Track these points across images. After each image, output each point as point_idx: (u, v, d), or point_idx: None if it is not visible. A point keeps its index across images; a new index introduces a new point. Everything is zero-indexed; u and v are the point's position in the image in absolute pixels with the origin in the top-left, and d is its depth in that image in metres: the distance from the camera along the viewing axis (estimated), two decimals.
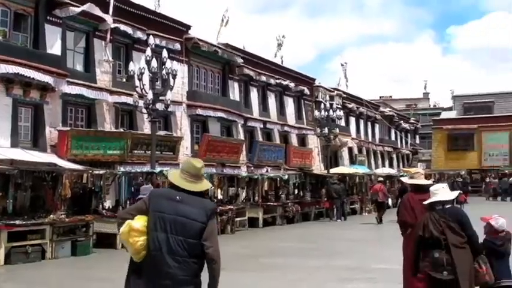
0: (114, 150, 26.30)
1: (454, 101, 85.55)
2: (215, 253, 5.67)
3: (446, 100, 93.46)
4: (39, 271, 16.74)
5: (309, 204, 34.82)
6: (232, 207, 27.34)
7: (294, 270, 15.82)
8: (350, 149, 57.68)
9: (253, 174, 32.71)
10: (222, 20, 39.83)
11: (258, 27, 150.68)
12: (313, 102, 50.34)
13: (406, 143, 79.21)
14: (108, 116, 28.69)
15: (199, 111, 34.64)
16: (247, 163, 38.80)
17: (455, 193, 8.96)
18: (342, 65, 62.27)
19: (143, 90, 24.35)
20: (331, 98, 51.69)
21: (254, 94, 42.69)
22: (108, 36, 28.69)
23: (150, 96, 24.28)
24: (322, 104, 42.37)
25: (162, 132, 30.65)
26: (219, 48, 37.07)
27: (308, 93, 49.54)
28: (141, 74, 24.14)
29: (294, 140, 47.08)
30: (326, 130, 40.02)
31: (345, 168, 46.51)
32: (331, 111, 40.27)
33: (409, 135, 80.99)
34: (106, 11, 28.21)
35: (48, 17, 26.06)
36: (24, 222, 18.41)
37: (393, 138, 73.71)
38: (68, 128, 25.58)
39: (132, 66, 24.99)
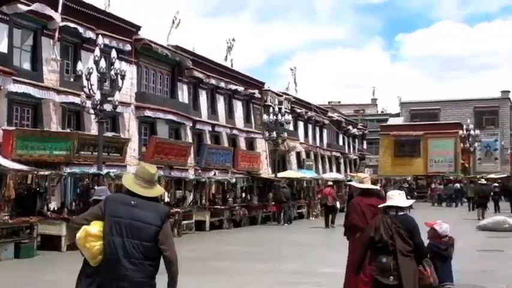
0: (60, 150, 25.94)
1: (402, 108, 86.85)
2: (173, 256, 5.89)
3: (393, 107, 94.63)
4: None
5: (256, 208, 34.70)
6: (179, 210, 27.11)
7: (241, 274, 15.75)
8: (298, 154, 57.91)
9: (201, 177, 32.54)
10: (173, 22, 39.72)
11: (209, 31, 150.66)
12: (262, 106, 50.37)
13: (354, 148, 79.78)
14: (54, 116, 28.31)
15: (148, 113, 34.45)
16: (195, 166, 38.69)
17: (411, 201, 9.14)
18: (292, 69, 62.68)
19: (91, 91, 24.10)
20: (280, 102, 51.79)
21: (203, 97, 42.61)
22: (57, 34, 28.36)
23: (98, 96, 24.01)
24: (271, 108, 42.40)
25: (109, 134, 30.35)
26: (169, 49, 36.89)
27: (257, 96, 49.57)
28: (89, 74, 23.91)
29: (242, 144, 47.09)
30: (274, 134, 40.01)
31: (292, 172, 46.65)
32: (279, 115, 40.28)
33: (356, 140, 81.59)
34: (55, 9, 27.84)
35: None
36: None
37: (341, 143, 74.28)
38: (13, 128, 25.25)
39: (80, 66, 24.68)
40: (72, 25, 29.11)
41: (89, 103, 24.54)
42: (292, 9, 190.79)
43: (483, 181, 42.11)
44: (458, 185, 53.18)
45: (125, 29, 33.51)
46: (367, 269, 8.35)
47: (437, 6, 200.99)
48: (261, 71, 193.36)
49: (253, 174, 41.26)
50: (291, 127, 51.04)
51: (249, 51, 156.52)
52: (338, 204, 32.63)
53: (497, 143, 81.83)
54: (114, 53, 24.94)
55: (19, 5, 25.99)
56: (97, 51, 24.20)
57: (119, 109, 27.84)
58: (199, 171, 38.05)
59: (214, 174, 37.58)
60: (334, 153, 69.97)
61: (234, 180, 34.20)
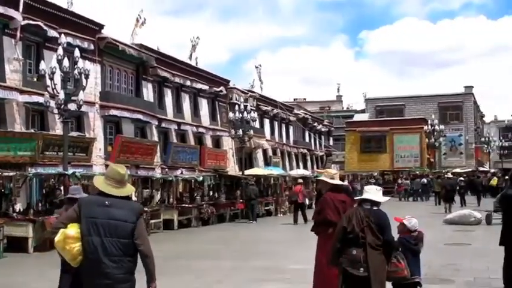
0: (24, 151, 25.68)
1: (367, 104, 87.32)
2: (147, 250, 6.15)
3: (359, 103, 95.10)
4: None
5: (224, 205, 34.54)
6: (146, 209, 26.90)
7: (210, 272, 15.61)
8: (265, 151, 57.94)
9: (168, 176, 32.39)
10: (137, 20, 39.41)
11: (172, 29, 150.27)
12: (228, 104, 50.37)
13: (320, 144, 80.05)
14: (18, 116, 27.99)
15: (113, 112, 34.23)
16: (162, 165, 38.53)
17: (386, 198, 9.20)
18: (256, 67, 62.64)
19: (55, 90, 23.81)
20: (246, 99, 51.59)
21: (168, 95, 42.51)
22: (18, 34, 27.97)
23: (61, 96, 23.67)
24: (237, 106, 42.26)
25: (74, 133, 30.06)
26: (133, 48, 36.62)
27: (223, 94, 49.47)
28: (53, 73, 23.64)
29: (208, 142, 47.04)
30: (240, 132, 39.90)
31: (259, 169, 46.49)
32: (245, 113, 40.15)
33: (323, 137, 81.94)
34: (16, 8, 27.47)
35: None
36: None
37: (307, 140, 74.52)
38: None
39: (43, 65, 24.26)
40: (33, 24, 28.74)
41: (52, 103, 24.25)
42: (254, 7, 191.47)
43: (450, 175, 42.46)
44: (425, 179, 53.45)
45: (87, 27, 33.24)
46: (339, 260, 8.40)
47: (400, 3, 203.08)
48: (225, 69, 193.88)
49: (220, 172, 41.09)
50: (257, 124, 50.95)
51: (213, 50, 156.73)
52: (307, 201, 32.63)
53: (461, 137, 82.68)
54: (77, 52, 24.63)
55: None
56: (60, 51, 23.88)
57: (84, 108, 27.58)
58: (166, 169, 37.90)
59: (181, 172, 37.45)
60: (300, 150, 70.13)
61: (201, 178, 34.02)
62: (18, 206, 23.85)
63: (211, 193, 36.32)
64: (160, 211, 28.48)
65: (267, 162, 57.20)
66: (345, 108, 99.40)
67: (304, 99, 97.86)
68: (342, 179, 12.91)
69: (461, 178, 45.55)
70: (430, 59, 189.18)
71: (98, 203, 6.16)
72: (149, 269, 6.17)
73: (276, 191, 41.96)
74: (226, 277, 14.97)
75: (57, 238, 6.08)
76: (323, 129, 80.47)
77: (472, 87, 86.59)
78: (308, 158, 73.10)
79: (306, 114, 73.08)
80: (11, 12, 27.20)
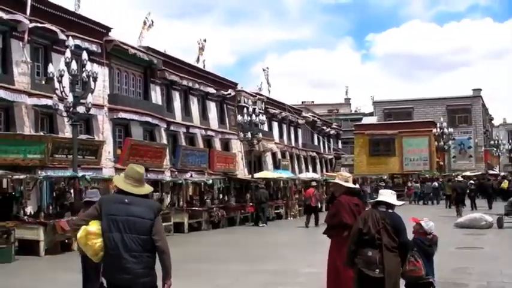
0: (34, 154, 25.62)
1: (375, 107, 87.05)
2: (164, 245, 6.38)
3: (367, 106, 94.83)
4: None
5: (234, 209, 34.41)
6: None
7: (221, 276, 15.46)
8: (273, 154, 57.74)
9: (178, 179, 32.31)
10: (145, 23, 39.32)
11: (178, 32, 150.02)
12: (236, 107, 50.16)
13: (329, 147, 79.79)
14: (27, 119, 27.91)
15: (122, 115, 34.14)
16: (171, 168, 38.37)
17: (401, 202, 9.42)
18: (264, 70, 62.50)
19: (63, 93, 23.72)
20: (254, 102, 51.49)
21: (176, 98, 42.38)
22: (26, 36, 27.87)
23: (70, 99, 23.68)
24: (245, 109, 42.08)
25: (83, 136, 30.02)
26: (141, 51, 36.49)
27: (230, 97, 49.31)
28: (61, 76, 23.59)
29: (217, 145, 46.87)
30: (249, 135, 39.75)
31: (269, 172, 46.39)
32: (253, 115, 40.02)
33: (331, 140, 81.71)
34: (23, 11, 27.40)
35: None
36: None
37: (316, 143, 74.25)
38: None
39: (51, 68, 24.32)
40: (41, 27, 28.66)
41: (61, 106, 24.33)
42: (260, 10, 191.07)
43: (460, 178, 42.17)
44: (436, 183, 53.28)
45: (95, 30, 33.14)
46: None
47: (406, 5, 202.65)
48: (232, 72, 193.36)
49: (230, 175, 40.99)
50: (265, 127, 50.77)
51: (219, 53, 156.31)
52: (319, 204, 32.53)
53: (470, 140, 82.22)
54: (85, 55, 24.67)
55: None
56: (68, 53, 23.92)
57: (92, 111, 27.51)
58: (176, 172, 37.77)
59: (191, 175, 37.32)
60: (309, 153, 69.88)
61: (211, 181, 33.95)
62: (29, 209, 23.89)
63: (221, 196, 36.21)
64: (170, 214, 28.31)
65: (276, 166, 57.02)
66: (353, 111, 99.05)
67: (312, 102, 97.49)
68: (354, 182, 12.81)
69: (472, 181, 45.31)
70: (436, 62, 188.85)
71: (117, 200, 6.42)
72: (165, 265, 6.42)
73: (286, 194, 41.82)
74: (238, 281, 14.83)
75: (79, 234, 6.33)
76: (332, 132, 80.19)
77: (480, 89, 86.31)
78: (317, 161, 72.85)
79: (314, 117, 72.81)
80: (18, 15, 27.10)
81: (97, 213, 6.37)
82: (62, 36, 29.36)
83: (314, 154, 71.49)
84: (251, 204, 34.92)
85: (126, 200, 6.37)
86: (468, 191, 40.76)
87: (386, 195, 8.68)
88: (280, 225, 33.67)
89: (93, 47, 31.96)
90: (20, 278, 16.16)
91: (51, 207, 24.20)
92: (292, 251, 21.06)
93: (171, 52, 42.46)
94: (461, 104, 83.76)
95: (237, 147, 49.43)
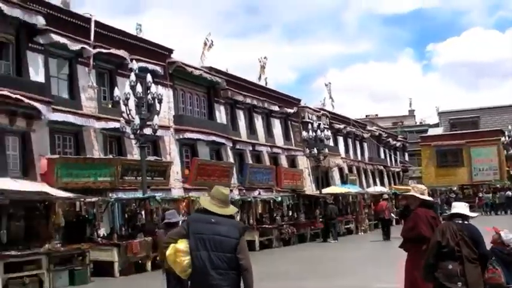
0: (104, 177, 26.01)
1: (440, 118, 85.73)
2: (248, 263, 6.58)
3: (431, 117, 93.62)
4: None
5: (304, 225, 34.21)
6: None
7: None
8: (340, 169, 57.32)
9: (246, 197, 32.17)
10: (205, 44, 39.49)
11: (237, 51, 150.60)
12: (300, 123, 49.97)
13: (396, 160, 78.92)
14: (96, 143, 28.28)
15: (188, 135, 34.31)
16: (239, 186, 38.32)
17: (476, 214, 9.36)
18: (326, 85, 62.24)
19: (130, 116, 23.88)
20: (318, 118, 51.22)
21: (241, 117, 42.39)
22: (91, 62, 28.26)
23: (137, 121, 23.89)
24: (310, 125, 41.88)
25: (151, 158, 30.21)
26: (203, 71, 36.65)
27: (294, 113, 49.18)
28: (127, 99, 23.80)
29: (283, 162, 46.70)
30: (315, 150, 39.54)
31: (337, 188, 46.00)
32: (318, 131, 39.91)
33: (397, 152, 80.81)
34: (87, 37, 27.79)
35: (29, 44, 25.70)
36: (19, 253, 17.95)
37: (382, 156, 73.46)
38: (57, 156, 25.20)
39: (117, 92, 24.72)
40: (105, 52, 29.01)
41: (128, 128, 24.44)
42: (318, 25, 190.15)
43: None
44: (509, 192, 52.22)
45: (157, 53, 33.47)
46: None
47: (466, 13, 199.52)
48: (293, 89, 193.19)
49: (298, 191, 40.78)
50: (331, 143, 50.41)
51: (280, 70, 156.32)
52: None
53: None
54: (149, 77, 24.87)
55: (52, 35, 25.98)
56: (132, 77, 24.14)
57: (159, 133, 27.68)
58: (244, 191, 37.70)
59: (259, 193, 37.18)
60: (376, 166, 69.24)
61: (280, 198, 33.87)
62: (102, 231, 24.19)
63: (290, 213, 35.96)
64: None
65: (344, 180, 56.55)
66: (417, 123, 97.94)
67: (376, 115, 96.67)
68: (429, 195, 12.71)
69: None
70: (499, 69, 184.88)
71: (204, 220, 6.73)
72: (248, 284, 6.57)
73: (355, 208, 41.41)
74: None
75: (168, 252, 6.71)
76: (397, 145, 79.35)
77: None
78: (384, 174, 72.09)
79: (379, 130, 72.15)
80: (82, 42, 27.51)
81: (185, 232, 6.69)
82: (126, 61, 29.64)
83: (381, 168, 70.82)
84: (321, 220, 34.62)
85: (213, 220, 6.67)
86: None
87: (461, 207, 8.63)
88: (352, 240, 33.39)
89: (157, 69, 32.20)
90: None
91: (123, 229, 24.55)
92: (365, 266, 20.84)
93: (233, 71, 42.60)
94: None
95: (303, 163, 49.22)
